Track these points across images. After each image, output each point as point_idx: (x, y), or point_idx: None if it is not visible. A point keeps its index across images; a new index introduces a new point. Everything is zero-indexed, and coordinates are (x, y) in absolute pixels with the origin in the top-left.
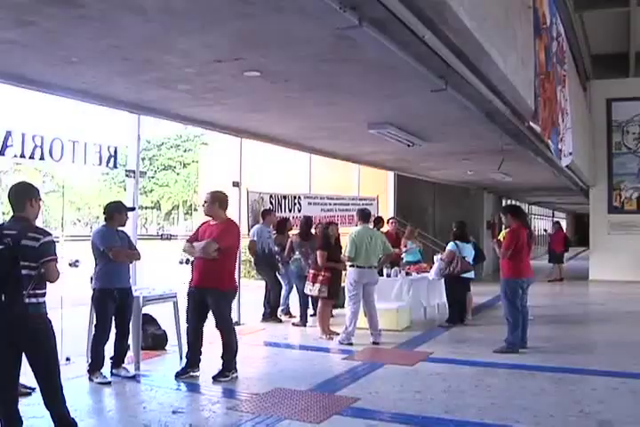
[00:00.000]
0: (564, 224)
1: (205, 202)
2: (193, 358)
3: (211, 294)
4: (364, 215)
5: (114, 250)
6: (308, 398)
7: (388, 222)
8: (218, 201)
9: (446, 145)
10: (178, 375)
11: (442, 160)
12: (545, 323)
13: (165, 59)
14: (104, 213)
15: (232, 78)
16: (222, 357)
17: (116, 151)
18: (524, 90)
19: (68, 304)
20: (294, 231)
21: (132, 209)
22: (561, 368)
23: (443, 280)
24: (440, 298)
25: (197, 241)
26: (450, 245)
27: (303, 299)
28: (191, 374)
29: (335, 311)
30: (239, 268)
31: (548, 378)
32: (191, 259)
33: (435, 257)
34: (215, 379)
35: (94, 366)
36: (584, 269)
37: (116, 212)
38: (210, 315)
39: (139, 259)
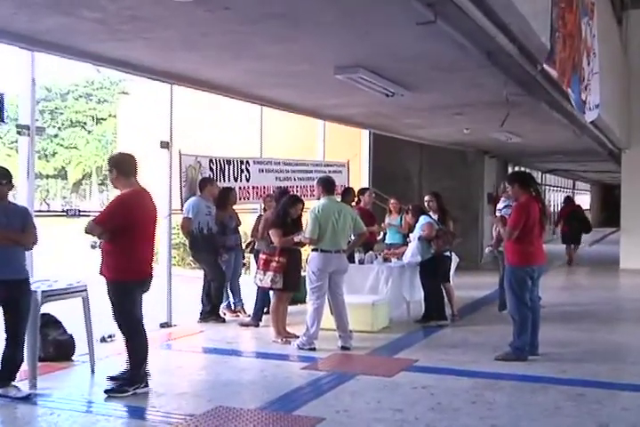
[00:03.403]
0: (587, 198)
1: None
2: (136, 372)
3: (106, 285)
4: (328, 185)
5: None
6: (259, 420)
7: (362, 194)
8: (115, 167)
9: (436, 95)
10: (110, 392)
11: (430, 115)
12: (562, 323)
13: None
14: None
15: (156, 5)
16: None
17: (2, 100)
18: (537, 22)
19: None
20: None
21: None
22: (581, 381)
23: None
24: None
25: None
26: (423, 219)
27: (262, 292)
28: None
29: (293, 308)
30: (169, 253)
31: (564, 393)
32: None
33: (411, 235)
34: (107, 393)
35: None
36: (614, 256)
37: None
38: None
39: (34, 242)
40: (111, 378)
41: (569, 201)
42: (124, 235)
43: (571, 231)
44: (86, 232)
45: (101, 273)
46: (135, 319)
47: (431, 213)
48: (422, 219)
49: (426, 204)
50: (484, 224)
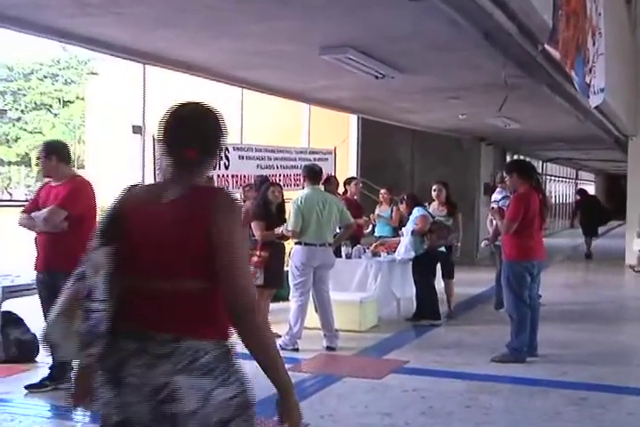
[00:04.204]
0: (591, 189)
1: (38, 158)
2: (62, 368)
3: (65, 279)
4: (314, 174)
5: None
6: None
7: (349, 184)
8: (54, 153)
9: (429, 78)
10: (31, 387)
11: (423, 99)
12: (563, 322)
13: None
14: None
15: None
16: None
17: None
18: None
19: None
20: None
21: None
22: (583, 384)
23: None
24: None
25: (38, 210)
26: (417, 211)
27: None
28: (53, 387)
29: (275, 306)
30: None
31: (565, 397)
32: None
33: (403, 229)
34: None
35: None
36: (619, 251)
37: None
38: None
39: None
40: None
41: (582, 193)
42: (83, 223)
43: (585, 223)
44: (46, 220)
45: (57, 265)
46: None
47: (436, 204)
48: (416, 211)
49: (434, 193)
50: (481, 216)
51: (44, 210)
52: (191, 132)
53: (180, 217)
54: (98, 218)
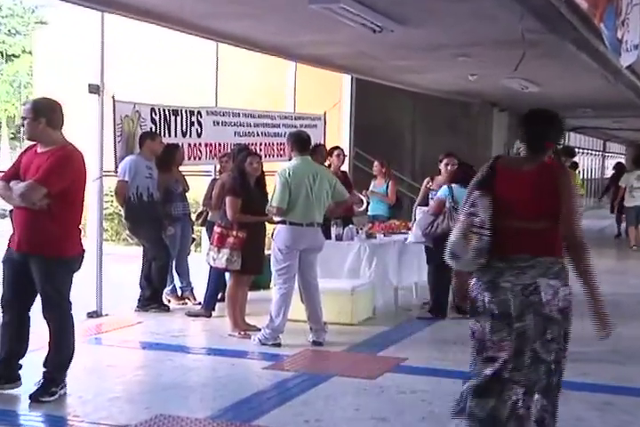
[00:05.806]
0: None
1: (24, 117)
2: (8, 365)
3: (38, 264)
4: (302, 142)
5: None
6: None
7: (331, 155)
8: (44, 115)
9: (434, 31)
10: None
11: (427, 57)
12: (583, 316)
13: None
14: None
15: None
16: (46, 363)
17: None
18: None
19: None
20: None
21: None
22: (607, 387)
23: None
24: (419, 274)
25: (19, 179)
26: (441, 191)
27: (215, 274)
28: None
29: (255, 294)
30: (100, 226)
31: (586, 401)
32: (10, 207)
33: (418, 209)
34: (35, 398)
35: None
36: None
37: None
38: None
39: None
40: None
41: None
42: (66, 201)
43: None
44: (23, 196)
45: (36, 248)
46: (68, 305)
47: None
48: (442, 190)
49: (443, 169)
50: None
51: (22, 184)
52: (548, 131)
53: (537, 181)
54: (84, 192)
